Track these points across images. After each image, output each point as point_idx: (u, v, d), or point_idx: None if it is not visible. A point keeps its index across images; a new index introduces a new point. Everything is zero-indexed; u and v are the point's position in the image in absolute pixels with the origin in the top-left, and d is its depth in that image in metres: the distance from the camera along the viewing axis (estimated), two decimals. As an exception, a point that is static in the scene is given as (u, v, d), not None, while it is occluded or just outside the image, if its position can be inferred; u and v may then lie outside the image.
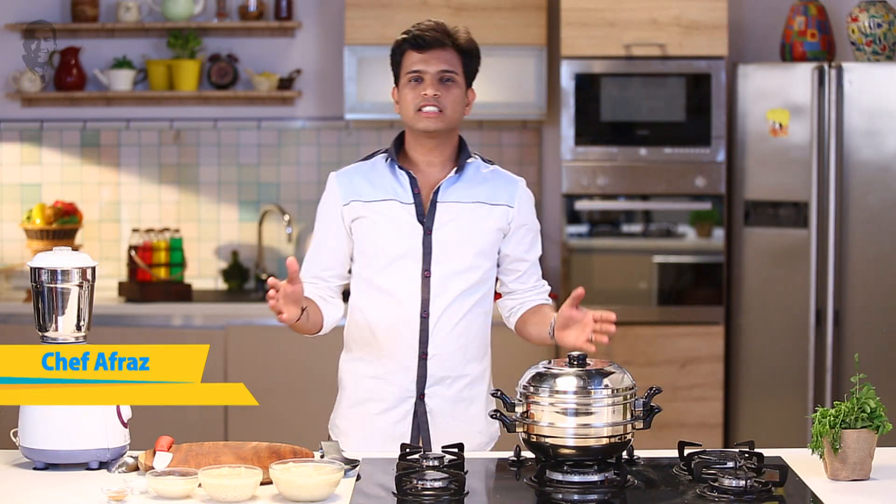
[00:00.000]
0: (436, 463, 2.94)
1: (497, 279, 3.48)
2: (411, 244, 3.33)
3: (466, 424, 3.39)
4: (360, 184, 3.37)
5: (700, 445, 3.09)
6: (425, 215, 3.33)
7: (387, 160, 3.38)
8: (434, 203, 3.33)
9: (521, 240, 3.42)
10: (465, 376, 3.38)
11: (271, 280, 3.13)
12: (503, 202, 3.38)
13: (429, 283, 3.33)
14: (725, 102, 5.73)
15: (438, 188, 3.34)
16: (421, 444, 3.34)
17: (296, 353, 5.61)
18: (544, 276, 3.53)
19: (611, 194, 5.78)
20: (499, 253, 3.42)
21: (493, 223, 3.37)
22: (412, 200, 3.34)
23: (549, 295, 3.51)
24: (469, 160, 3.38)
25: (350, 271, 3.45)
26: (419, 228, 3.33)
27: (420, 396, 3.36)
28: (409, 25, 3.39)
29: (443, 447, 3.08)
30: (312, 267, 3.44)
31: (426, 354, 3.34)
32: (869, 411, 2.94)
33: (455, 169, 3.35)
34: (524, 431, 2.96)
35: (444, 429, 3.37)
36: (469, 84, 3.37)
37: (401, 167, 3.35)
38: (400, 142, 3.40)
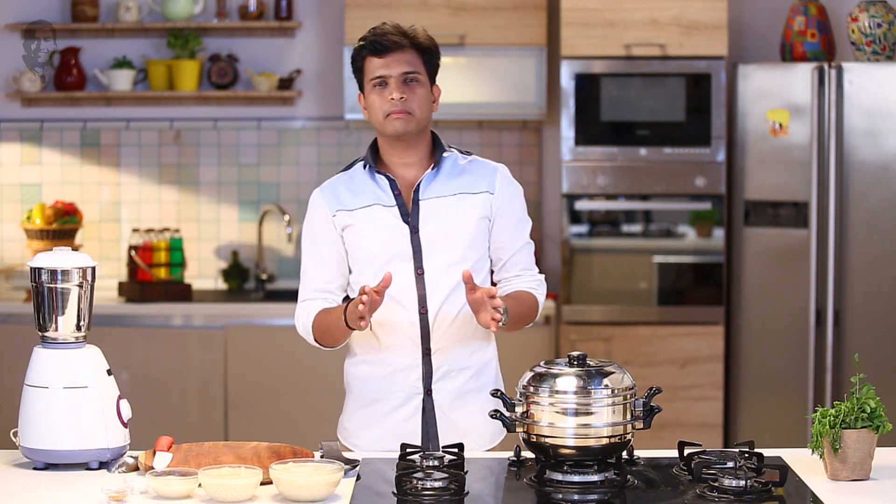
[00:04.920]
0: (436, 463, 2.94)
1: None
2: (400, 245, 3.36)
3: (474, 416, 3.40)
4: (343, 194, 3.41)
5: (700, 445, 3.09)
6: (409, 215, 3.36)
7: (365, 167, 3.41)
8: (416, 202, 3.36)
9: (503, 227, 3.43)
10: (469, 367, 3.40)
11: (367, 287, 3.14)
12: (484, 189, 3.40)
13: (423, 279, 3.35)
14: (725, 102, 5.73)
15: (418, 186, 3.37)
16: (430, 440, 3.36)
17: (295, 354, 5.60)
18: (545, 277, 3.52)
19: (611, 194, 5.78)
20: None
21: (477, 211, 3.39)
22: (394, 202, 3.37)
23: (547, 295, 3.51)
24: (445, 154, 3.41)
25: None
26: (405, 228, 3.36)
27: (427, 392, 3.38)
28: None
29: (443, 447, 3.09)
30: (313, 282, 3.45)
31: (429, 350, 3.36)
32: (869, 411, 2.94)
33: (432, 165, 3.38)
34: (524, 431, 2.96)
35: (453, 421, 3.38)
36: (433, 81, 3.40)
37: (379, 171, 3.39)
38: (375, 148, 3.42)
